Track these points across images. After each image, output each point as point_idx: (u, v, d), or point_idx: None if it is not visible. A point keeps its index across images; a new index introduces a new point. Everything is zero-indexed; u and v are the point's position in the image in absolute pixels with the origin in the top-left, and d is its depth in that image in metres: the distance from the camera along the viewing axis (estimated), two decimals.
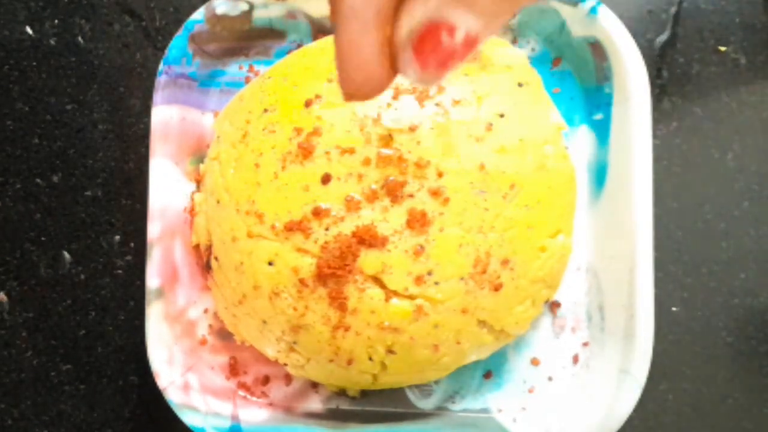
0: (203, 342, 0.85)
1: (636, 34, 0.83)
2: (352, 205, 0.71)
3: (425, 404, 0.84)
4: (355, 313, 0.72)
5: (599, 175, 0.84)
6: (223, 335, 0.85)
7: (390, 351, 0.74)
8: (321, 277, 0.72)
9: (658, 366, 0.86)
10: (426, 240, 0.71)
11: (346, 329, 0.73)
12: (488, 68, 0.77)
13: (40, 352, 0.91)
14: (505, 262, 0.73)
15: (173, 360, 0.82)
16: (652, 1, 0.91)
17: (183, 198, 0.85)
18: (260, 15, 0.85)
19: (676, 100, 0.90)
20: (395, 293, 0.72)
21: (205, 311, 0.86)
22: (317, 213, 0.71)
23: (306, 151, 0.72)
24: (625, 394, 0.78)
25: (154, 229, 0.81)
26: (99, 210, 0.92)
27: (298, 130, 0.73)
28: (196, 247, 0.85)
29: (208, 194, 0.80)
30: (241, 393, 0.85)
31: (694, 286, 0.88)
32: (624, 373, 0.78)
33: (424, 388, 0.85)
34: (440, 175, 0.71)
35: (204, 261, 0.84)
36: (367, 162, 0.71)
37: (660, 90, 0.90)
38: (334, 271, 0.71)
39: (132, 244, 0.92)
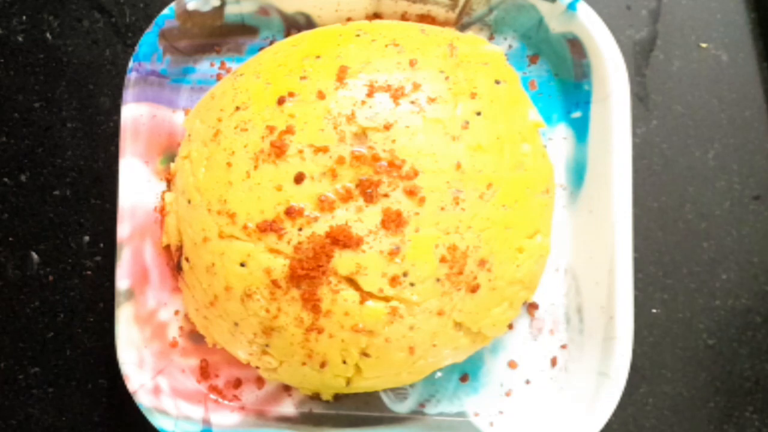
0: (174, 344, 0.84)
1: (615, 31, 0.82)
2: (325, 204, 0.70)
3: (400, 408, 0.84)
4: (328, 315, 0.71)
5: (578, 174, 0.83)
6: (194, 338, 0.85)
7: (364, 354, 0.74)
8: (294, 279, 0.71)
9: (638, 369, 0.86)
10: (401, 240, 0.70)
11: (320, 332, 0.72)
12: (465, 65, 0.76)
13: (7, 355, 0.91)
14: (482, 263, 0.73)
15: (143, 363, 0.81)
16: None
17: (153, 197, 0.84)
18: (232, 11, 0.84)
19: (656, 97, 0.89)
20: (370, 295, 0.71)
21: (176, 313, 0.85)
22: (290, 213, 0.71)
23: (279, 150, 0.71)
24: (604, 397, 0.78)
25: (123, 230, 0.81)
26: (68, 210, 0.91)
27: (271, 129, 0.72)
28: (167, 247, 0.84)
29: (179, 194, 0.79)
30: (213, 396, 0.84)
31: (675, 287, 0.88)
32: (603, 376, 0.78)
33: (399, 392, 0.84)
34: (416, 174, 0.70)
35: (175, 262, 0.83)
36: (341, 161, 0.70)
37: (640, 87, 0.89)
38: (307, 273, 0.70)
39: (101, 245, 0.91)
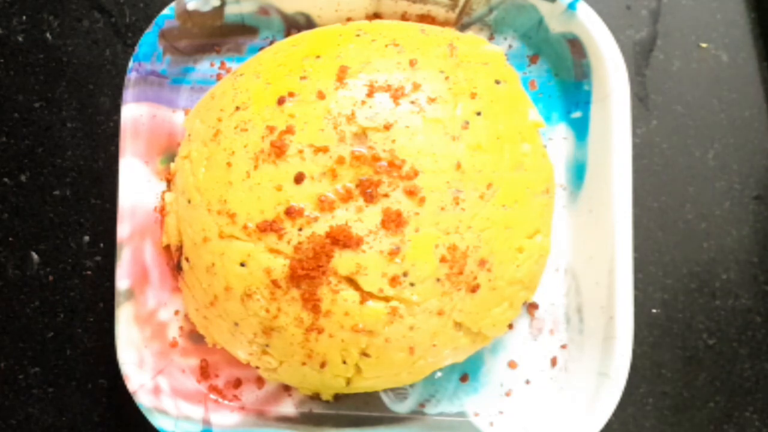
0: (174, 344, 0.84)
1: (615, 30, 0.82)
2: (325, 204, 0.70)
3: (400, 408, 0.84)
4: (328, 315, 0.71)
5: (578, 174, 0.83)
6: (194, 338, 0.84)
7: (364, 354, 0.73)
8: (294, 279, 0.71)
9: (638, 369, 0.86)
10: (401, 240, 0.70)
11: (320, 332, 0.72)
12: (465, 65, 0.76)
13: (7, 355, 0.90)
14: (482, 263, 0.73)
15: (143, 363, 0.81)
16: None
17: (153, 197, 0.84)
18: (232, 11, 0.84)
19: (656, 97, 0.89)
20: (370, 295, 0.71)
21: (176, 313, 0.85)
22: (290, 213, 0.70)
23: (279, 150, 0.71)
24: (604, 397, 0.77)
25: (123, 230, 0.80)
26: (68, 210, 0.91)
27: (271, 129, 0.72)
28: (167, 247, 0.84)
29: (179, 193, 0.79)
30: (213, 396, 0.84)
31: (675, 287, 0.87)
32: (603, 376, 0.78)
33: (399, 392, 0.84)
34: (416, 174, 0.70)
35: (175, 262, 0.83)
36: (341, 161, 0.70)
37: (640, 87, 0.89)
38: (307, 273, 0.70)
39: (101, 245, 0.91)
